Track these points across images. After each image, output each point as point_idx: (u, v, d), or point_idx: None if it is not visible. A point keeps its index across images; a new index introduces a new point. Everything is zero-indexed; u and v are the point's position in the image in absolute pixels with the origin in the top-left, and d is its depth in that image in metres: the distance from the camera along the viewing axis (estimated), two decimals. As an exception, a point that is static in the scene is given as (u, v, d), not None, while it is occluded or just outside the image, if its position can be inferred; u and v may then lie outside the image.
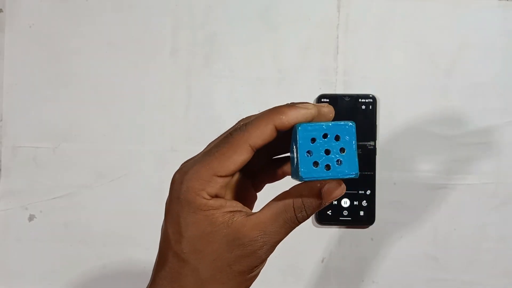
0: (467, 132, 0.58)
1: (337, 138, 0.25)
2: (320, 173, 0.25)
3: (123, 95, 0.59)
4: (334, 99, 0.57)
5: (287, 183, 0.29)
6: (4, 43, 0.59)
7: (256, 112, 0.28)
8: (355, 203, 0.57)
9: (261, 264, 0.28)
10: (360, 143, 0.57)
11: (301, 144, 0.25)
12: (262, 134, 0.26)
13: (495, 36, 0.58)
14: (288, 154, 0.28)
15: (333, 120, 0.27)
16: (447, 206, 0.57)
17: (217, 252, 0.27)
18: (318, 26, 0.59)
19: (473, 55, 0.58)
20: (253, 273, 0.28)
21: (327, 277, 0.58)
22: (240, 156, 0.26)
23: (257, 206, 0.30)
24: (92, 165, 0.59)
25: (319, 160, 0.25)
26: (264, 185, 0.32)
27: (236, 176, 0.30)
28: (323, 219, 0.58)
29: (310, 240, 0.58)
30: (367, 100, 0.57)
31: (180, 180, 0.27)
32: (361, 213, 0.57)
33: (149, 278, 0.30)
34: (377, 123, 0.57)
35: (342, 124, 0.25)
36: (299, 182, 0.27)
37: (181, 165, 0.28)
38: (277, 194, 0.28)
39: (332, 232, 0.58)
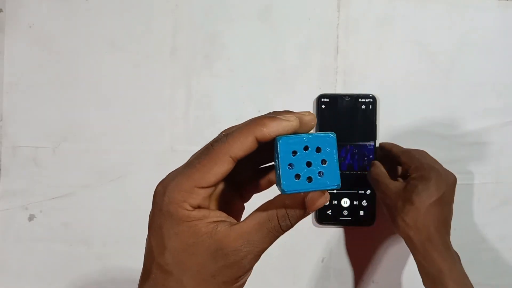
0: (467, 132, 0.58)
1: (318, 150, 0.26)
2: (302, 185, 0.25)
3: (123, 95, 0.59)
4: (334, 99, 0.58)
5: (276, 192, 0.29)
6: (4, 43, 0.59)
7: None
8: (355, 203, 0.57)
9: (245, 274, 0.28)
10: (360, 143, 0.57)
11: (282, 157, 0.25)
12: (243, 146, 0.26)
13: (495, 36, 0.58)
14: (274, 163, 0.28)
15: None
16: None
17: (200, 263, 0.27)
18: (318, 26, 0.59)
19: (473, 55, 0.58)
20: (237, 283, 0.28)
21: (327, 277, 0.58)
22: (221, 167, 0.26)
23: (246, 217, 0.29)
24: (92, 165, 0.59)
25: (301, 172, 0.25)
26: (252, 195, 0.32)
27: (221, 187, 0.30)
28: (323, 219, 0.58)
29: (310, 240, 0.58)
30: (367, 100, 0.57)
31: (163, 191, 0.27)
32: (361, 213, 0.57)
33: None
34: (377, 123, 0.57)
35: (323, 136, 0.26)
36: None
37: (164, 177, 0.28)
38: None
39: (332, 232, 0.58)
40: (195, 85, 0.59)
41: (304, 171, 0.25)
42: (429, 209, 0.46)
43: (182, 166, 0.28)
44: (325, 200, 0.27)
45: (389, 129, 0.58)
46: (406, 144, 0.54)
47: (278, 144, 0.25)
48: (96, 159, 0.59)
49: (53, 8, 0.59)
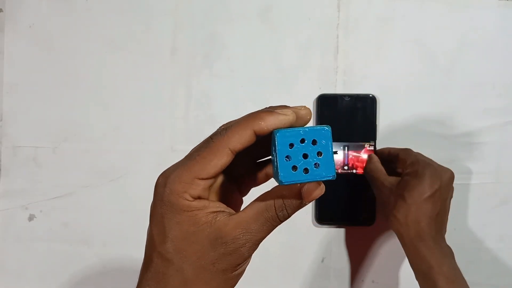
0: (467, 132, 0.58)
1: (314, 142, 0.27)
2: (298, 176, 0.26)
3: (123, 95, 0.59)
4: (334, 99, 0.57)
5: (273, 186, 0.29)
6: (4, 43, 0.59)
7: None
8: (355, 203, 0.57)
9: (244, 262, 0.29)
10: (360, 143, 0.57)
11: (280, 150, 0.26)
12: (241, 139, 0.27)
13: (495, 36, 0.58)
14: (271, 157, 0.29)
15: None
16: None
17: (200, 251, 0.28)
18: (318, 26, 0.59)
19: (473, 55, 0.58)
20: (237, 271, 0.29)
21: (327, 276, 0.58)
22: (220, 159, 0.27)
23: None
24: (92, 165, 0.59)
25: (298, 164, 0.26)
26: (250, 189, 0.33)
27: (220, 180, 0.30)
28: (323, 219, 0.58)
29: (310, 240, 0.58)
30: (367, 100, 0.57)
31: (164, 183, 0.28)
32: (361, 213, 0.57)
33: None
34: (377, 123, 0.57)
35: (318, 129, 0.27)
36: None
37: (165, 169, 0.29)
38: None
39: (332, 232, 0.58)
40: (195, 85, 0.59)
41: (301, 163, 0.26)
42: (420, 205, 0.47)
43: (182, 158, 0.29)
44: (320, 191, 0.28)
45: (389, 129, 0.58)
46: (406, 144, 0.54)
47: (276, 137, 0.26)
48: (96, 159, 0.59)
49: (53, 8, 0.59)
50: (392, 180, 0.50)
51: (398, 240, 0.49)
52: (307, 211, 0.58)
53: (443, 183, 0.48)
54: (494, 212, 0.58)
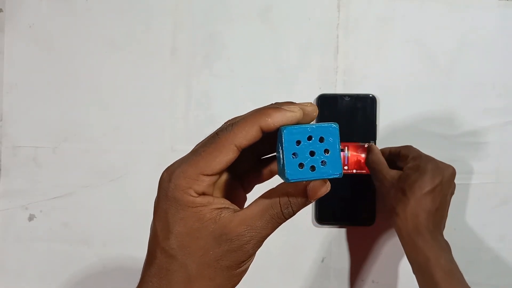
0: (467, 132, 0.58)
1: (321, 139, 0.26)
2: (305, 174, 0.26)
3: (123, 95, 0.59)
4: (334, 99, 0.58)
5: (277, 182, 0.29)
6: (4, 43, 0.59)
7: None
8: (355, 203, 0.57)
9: (248, 259, 0.29)
10: (360, 143, 0.57)
11: (287, 147, 0.26)
12: (248, 135, 0.27)
13: (495, 36, 0.58)
14: (275, 154, 0.28)
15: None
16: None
17: (204, 248, 0.27)
18: (318, 26, 0.59)
19: (473, 55, 0.58)
20: (241, 268, 0.29)
21: (327, 276, 0.58)
22: (225, 156, 0.27)
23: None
24: (92, 165, 0.59)
25: (304, 161, 0.26)
26: (254, 186, 0.33)
27: (225, 177, 0.30)
28: (323, 219, 0.58)
29: (310, 240, 0.58)
30: (367, 100, 0.57)
31: (168, 178, 0.28)
32: (361, 213, 0.57)
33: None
34: (377, 123, 0.57)
35: (326, 126, 0.26)
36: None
37: (170, 165, 0.29)
38: None
39: (332, 232, 0.58)
40: (195, 85, 0.59)
41: (308, 160, 0.26)
42: (420, 200, 0.47)
43: (187, 154, 0.29)
44: (326, 189, 0.27)
45: (389, 129, 0.58)
46: (406, 144, 0.54)
47: (283, 133, 0.26)
48: (96, 159, 0.59)
49: (53, 8, 0.59)
50: (393, 173, 0.50)
51: (398, 240, 0.49)
52: (307, 211, 0.58)
53: (444, 178, 0.48)
54: (494, 212, 0.58)
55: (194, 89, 0.59)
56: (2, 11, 0.60)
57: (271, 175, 0.33)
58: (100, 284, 0.59)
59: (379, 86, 0.58)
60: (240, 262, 0.28)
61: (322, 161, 0.26)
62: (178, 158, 0.29)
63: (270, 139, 0.28)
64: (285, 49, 0.59)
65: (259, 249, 0.29)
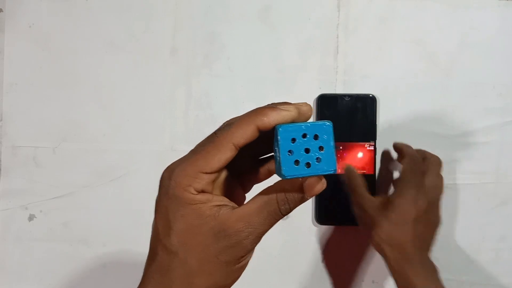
0: (467, 132, 0.58)
1: (316, 137, 0.27)
2: (301, 170, 0.27)
3: (123, 95, 0.59)
4: (334, 99, 0.57)
5: (275, 181, 0.30)
6: (4, 43, 0.59)
7: None
8: (355, 203, 0.57)
9: (247, 255, 0.29)
10: (360, 143, 0.57)
11: (282, 144, 0.27)
12: (245, 134, 0.28)
13: (495, 36, 0.58)
14: (273, 154, 0.29)
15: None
16: (447, 206, 0.57)
17: (204, 244, 0.28)
18: (318, 26, 0.59)
19: (473, 55, 0.58)
20: (240, 264, 0.29)
21: (327, 277, 0.58)
22: (224, 154, 0.28)
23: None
24: (92, 165, 0.59)
25: (300, 158, 0.27)
26: (252, 186, 0.34)
27: (224, 176, 0.31)
28: (323, 219, 0.58)
29: (310, 240, 0.58)
30: (367, 100, 0.57)
31: (168, 176, 0.29)
32: (361, 213, 0.57)
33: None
34: (377, 123, 0.57)
35: (320, 124, 0.27)
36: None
37: (170, 164, 0.30)
38: None
39: (332, 232, 0.58)
40: (195, 84, 0.59)
41: (303, 157, 0.27)
42: (405, 227, 0.46)
43: (188, 153, 0.29)
44: (322, 186, 0.28)
45: (389, 129, 0.58)
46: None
47: (278, 131, 0.27)
48: (96, 159, 0.59)
49: (53, 8, 0.59)
50: (375, 198, 0.50)
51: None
52: (307, 211, 0.58)
53: (429, 203, 0.47)
54: (494, 212, 0.58)
55: (194, 89, 0.59)
56: (2, 11, 0.60)
57: (269, 175, 0.33)
58: (100, 284, 0.59)
59: (379, 86, 0.58)
60: (239, 257, 0.29)
61: (317, 158, 0.27)
62: (178, 158, 0.30)
63: (267, 139, 0.28)
64: (285, 49, 0.59)
65: (259, 249, 0.29)
